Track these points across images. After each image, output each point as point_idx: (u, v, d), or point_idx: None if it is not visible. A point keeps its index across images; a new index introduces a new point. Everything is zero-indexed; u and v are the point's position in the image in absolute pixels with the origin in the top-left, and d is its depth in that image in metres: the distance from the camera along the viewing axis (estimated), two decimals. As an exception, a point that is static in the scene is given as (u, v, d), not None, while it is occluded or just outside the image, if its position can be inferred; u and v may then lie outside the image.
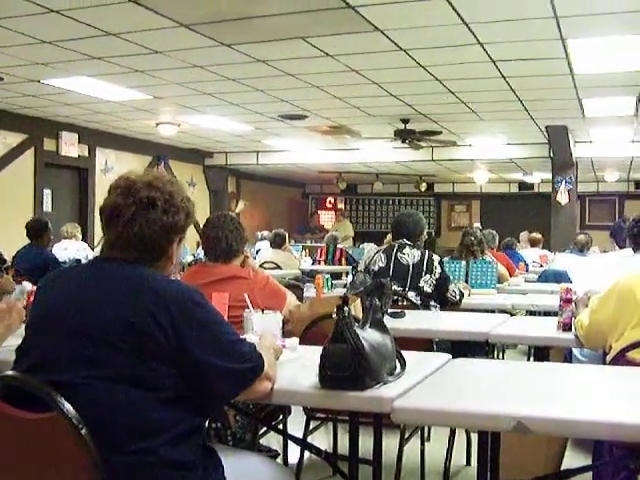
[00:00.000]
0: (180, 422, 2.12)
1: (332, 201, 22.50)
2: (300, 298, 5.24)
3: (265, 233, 13.84)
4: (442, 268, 5.30)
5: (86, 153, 12.91)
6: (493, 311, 5.55)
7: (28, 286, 3.25)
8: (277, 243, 11.01)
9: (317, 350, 2.40)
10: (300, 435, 3.93)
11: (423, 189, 19.67)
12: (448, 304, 5.30)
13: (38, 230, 7.96)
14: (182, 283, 2.26)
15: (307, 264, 12.07)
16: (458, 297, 5.33)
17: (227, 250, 3.87)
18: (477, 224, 17.60)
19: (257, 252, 11.70)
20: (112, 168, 13.33)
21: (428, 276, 5.21)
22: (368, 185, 21.07)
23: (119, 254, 2.25)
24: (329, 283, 6.10)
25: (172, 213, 2.28)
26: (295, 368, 2.70)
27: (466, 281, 6.36)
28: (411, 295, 5.12)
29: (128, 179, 2.31)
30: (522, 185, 20.46)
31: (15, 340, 2.81)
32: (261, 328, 2.80)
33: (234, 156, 16.12)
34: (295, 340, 3.03)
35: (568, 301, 3.86)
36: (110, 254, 2.27)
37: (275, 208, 20.50)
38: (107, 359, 2.07)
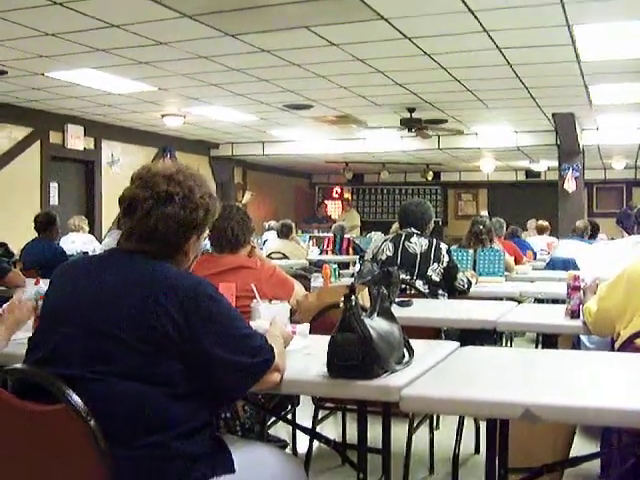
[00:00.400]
0: (192, 417, 2.12)
1: (339, 191, 22.50)
2: (307, 288, 5.24)
3: (272, 223, 13.83)
4: (450, 257, 5.29)
5: (92, 146, 12.91)
6: (501, 299, 5.55)
7: (45, 287, 3.25)
8: (284, 233, 11.02)
9: (325, 339, 2.40)
10: (309, 425, 3.94)
11: (430, 178, 19.63)
12: (456, 293, 5.30)
13: (47, 224, 7.97)
14: (195, 277, 2.25)
15: (314, 254, 12.07)
16: (466, 286, 5.32)
17: (233, 241, 3.87)
18: (484, 212, 17.59)
19: (264, 242, 11.71)
20: (118, 160, 13.34)
21: (436, 265, 5.20)
22: (375, 174, 21.04)
23: (135, 246, 2.24)
24: (336, 273, 6.11)
25: (190, 209, 2.27)
26: (303, 358, 2.70)
27: (474, 269, 6.35)
28: (419, 284, 5.12)
29: (149, 171, 2.30)
30: (529, 173, 20.38)
31: (23, 334, 2.84)
32: (269, 318, 2.81)
33: (240, 147, 16.12)
34: (306, 326, 3.04)
35: (576, 288, 3.85)
36: (126, 245, 2.27)
37: (282, 198, 20.50)
38: (119, 355, 2.07)
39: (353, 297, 2.35)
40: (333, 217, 20.35)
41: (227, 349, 2.15)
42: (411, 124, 11.83)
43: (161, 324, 2.07)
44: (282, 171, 20.30)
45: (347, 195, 22.29)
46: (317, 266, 9.42)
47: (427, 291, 5.11)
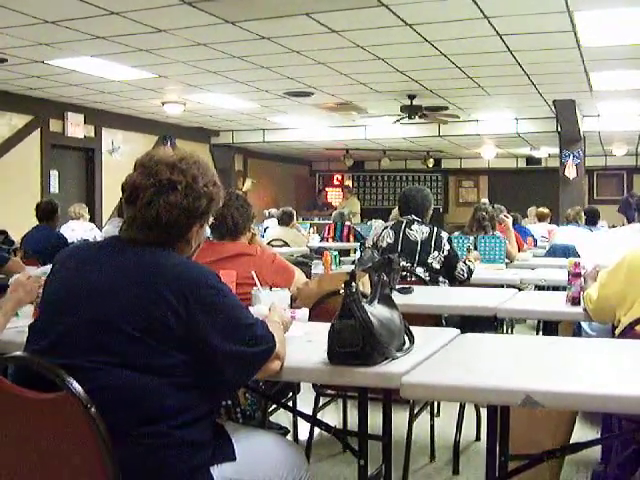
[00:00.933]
0: (193, 406, 2.12)
1: (339, 178, 22.49)
2: (308, 275, 5.24)
3: (273, 211, 13.84)
4: (451, 245, 5.28)
5: (92, 134, 12.91)
6: (502, 286, 5.55)
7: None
8: (285, 221, 11.01)
9: (326, 326, 2.40)
10: (310, 412, 3.94)
11: (430, 165, 19.61)
12: (456, 282, 5.29)
13: (49, 212, 7.97)
14: (197, 265, 2.23)
15: (315, 241, 12.08)
16: (466, 275, 5.30)
17: (233, 228, 3.86)
18: (485, 199, 17.58)
19: (265, 230, 11.71)
20: (118, 148, 13.34)
21: (436, 253, 5.19)
22: (375, 162, 21.06)
23: (136, 234, 2.22)
24: (337, 260, 6.11)
25: (193, 198, 2.24)
26: (304, 345, 2.70)
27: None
28: (419, 271, 5.12)
29: (152, 158, 2.27)
30: (530, 160, 20.38)
31: (23, 322, 2.84)
32: (269, 305, 2.81)
33: (240, 134, 16.12)
34: (305, 311, 3.04)
35: (577, 275, 3.85)
36: (128, 233, 2.25)
37: (282, 186, 20.50)
38: (120, 345, 2.06)
39: (354, 284, 2.35)
40: (334, 204, 20.36)
41: (229, 339, 2.14)
42: (412, 111, 11.82)
43: (162, 314, 2.06)
44: (282, 158, 20.29)
45: (347, 182, 22.27)
46: (318, 253, 9.44)
47: (428, 278, 5.11)
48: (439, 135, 14.89)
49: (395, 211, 6.78)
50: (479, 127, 14.44)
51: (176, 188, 2.22)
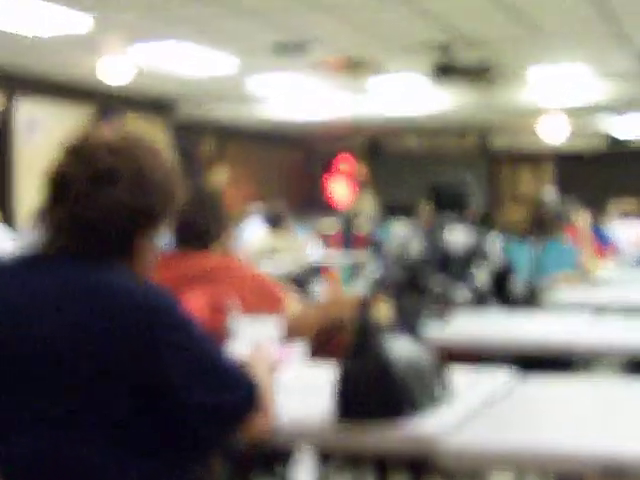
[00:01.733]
0: (154, 479, 2.12)
1: (347, 165, 22.52)
2: (306, 298, 5.26)
3: (256, 210, 13.88)
4: (502, 253, 5.30)
5: (1, 106, 12.91)
6: (575, 311, 5.56)
7: None
8: (273, 223, 11.04)
9: (331, 368, 2.41)
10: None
11: (473, 146, 19.64)
12: (511, 303, 5.30)
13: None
14: (153, 290, 2.22)
15: (315, 251, 12.10)
16: (525, 293, 5.32)
17: (202, 235, 3.89)
18: (550, 192, 17.61)
19: (245, 236, 11.74)
20: (40, 125, 13.34)
21: (483, 264, 5.21)
22: (396, 142, 21.06)
23: (67, 245, 2.22)
24: (346, 277, 6.13)
25: (142, 193, 2.25)
26: (301, 393, 2.71)
27: (537, 268, 6.30)
28: (459, 291, 5.13)
29: (86, 140, 2.28)
30: (613, 139, 20.37)
31: None
32: (252, 339, 2.82)
33: (210, 106, 16.15)
34: (301, 347, 3.05)
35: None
36: (54, 244, 2.24)
37: (268, 176, 20.54)
38: (54, 400, 2.06)
39: (369, 310, 2.36)
40: (340, 201, 20.42)
41: (198, 386, 2.15)
42: (445, 71, 11.83)
43: (111, 353, 2.07)
44: (268, 139, 20.34)
45: (359, 171, 22.30)
46: (319, 268, 9.46)
47: (471, 300, 5.12)
48: (484, 103, 14.88)
49: (426, 210, 6.81)
50: (539, 92, 14.42)
51: (119, 180, 2.22)
